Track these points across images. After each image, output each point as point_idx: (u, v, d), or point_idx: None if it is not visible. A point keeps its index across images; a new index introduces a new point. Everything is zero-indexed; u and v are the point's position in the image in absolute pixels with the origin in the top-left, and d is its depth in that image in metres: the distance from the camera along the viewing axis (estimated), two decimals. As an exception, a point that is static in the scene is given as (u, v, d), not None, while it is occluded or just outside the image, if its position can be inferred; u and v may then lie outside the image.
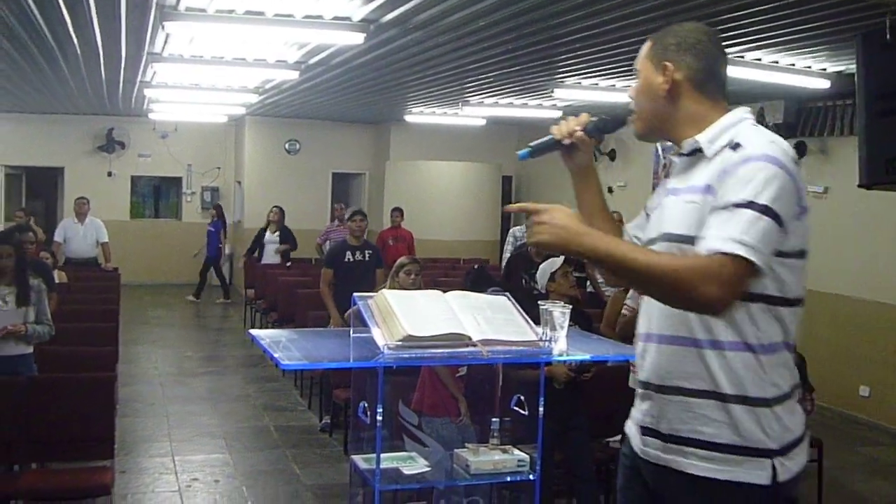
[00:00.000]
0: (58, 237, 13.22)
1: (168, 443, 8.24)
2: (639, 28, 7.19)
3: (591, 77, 10.07)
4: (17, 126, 18.05)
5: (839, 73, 8.65)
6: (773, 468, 2.33)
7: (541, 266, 6.13)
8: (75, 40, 8.65)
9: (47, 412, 6.26)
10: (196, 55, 9.53)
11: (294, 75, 10.36)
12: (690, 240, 2.35)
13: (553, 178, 17.13)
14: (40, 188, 20.66)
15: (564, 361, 4.88)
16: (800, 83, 8.91)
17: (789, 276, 2.37)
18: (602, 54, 8.52)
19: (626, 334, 6.07)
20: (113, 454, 6.38)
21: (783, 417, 2.37)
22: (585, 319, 6.02)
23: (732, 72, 8.41)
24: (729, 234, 2.22)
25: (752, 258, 2.20)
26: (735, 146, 2.36)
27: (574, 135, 2.89)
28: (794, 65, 8.43)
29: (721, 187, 2.31)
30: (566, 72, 9.81)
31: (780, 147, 2.34)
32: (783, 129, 10.82)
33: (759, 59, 8.22)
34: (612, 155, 15.05)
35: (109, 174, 18.96)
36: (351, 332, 3.28)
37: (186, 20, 7.14)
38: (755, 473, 2.33)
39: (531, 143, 2.89)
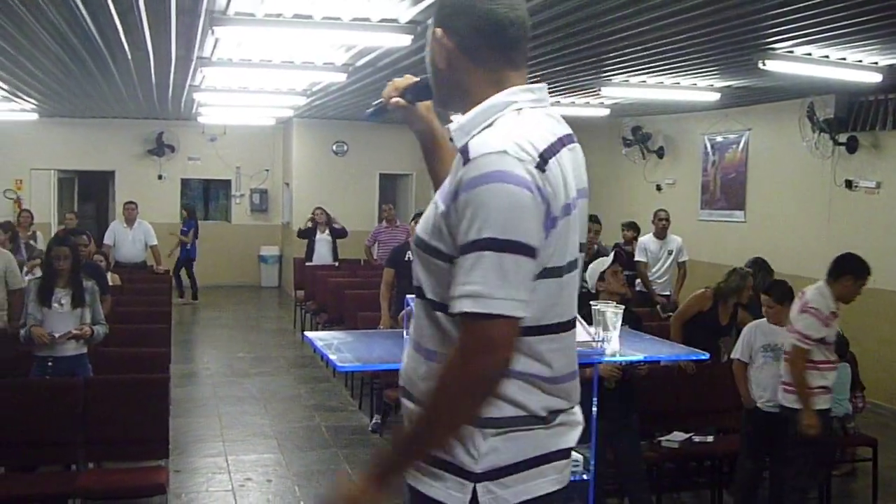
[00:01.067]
0: (107, 240, 13.37)
1: (221, 443, 8.32)
2: (687, 25, 7.15)
3: (638, 74, 10.02)
4: (70, 131, 18.31)
5: (891, 66, 8.53)
6: (475, 492, 2.07)
7: (590, 265, 6.11)
8: (126, 45, 8.76)
9: (103, 413, 6.35)
10: (245, 59, 9.61)
11: (341, 77, 10.40)
12: (423, 244, 2.12)
13: (600, 177, 17.06)
14: (92, 191, 20.97)
15: (618, 362, 4.83)
16: (851, 77, 8.81)
17: (535, 300, 2.02)
18: (650, 52, 8.47)
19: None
20: (168, 454, 6.47)
21: (499, 441, 2.08)
22: (635, 318, 5.99)
23: (782, 67, 8.35)
24: (475, 290, 1.90)
25: (510, 314, 1.91)
26: (465, 153, 2.01)
27: (391, 100, 2.51)
28: (844, 59, 8.33)
29: (455, 211, 1.99)
30: (614, 70, 9.77)
31: (513, 153, 1.97)
32: (834, 125, 10.72)
33: (810, 54, 8.13)
34: (660, 152, 14.96)
35: (160, 177, 19.18)
36: (405, 333, 3.29)
37: (235, 25, 7.21)
38: (452, 494, 2.09)
39: (373, 103, 2.62)
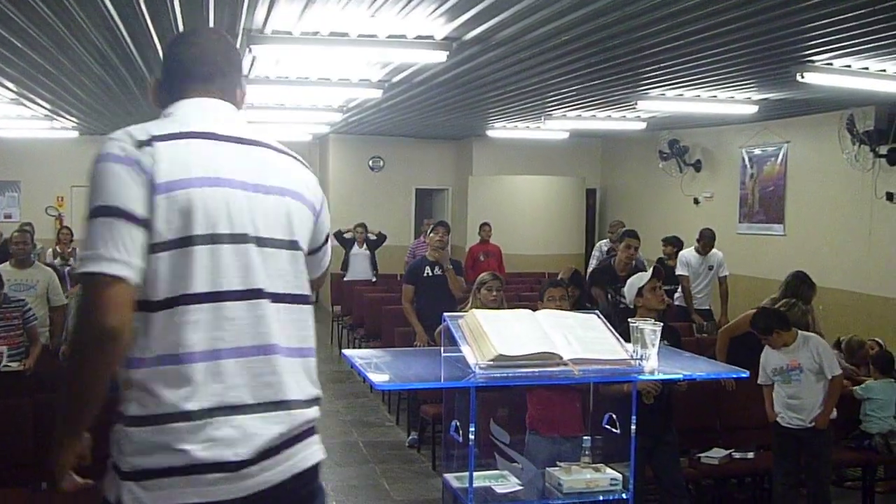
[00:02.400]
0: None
1: (259, 458, 8.33)
2: (724, 38, 7.13)
3: (675, 88, 9.99)
4: (110, 148, 18.45)
5: (932, 78, 8.46)
6: (119, 489, 2.12)
7: (628, 281, 6.07)
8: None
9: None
10: (282, 76, 9.68)
11: (377, 94, 10.45)
12: None
13: (637, 191, 17.02)
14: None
15: (656, 380, 4.81)
16: (891, 89, 8.71)
17: (160, 272, 2.13)
18: (686, 65, 8.45)
19: None
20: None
21: (141, 440, 2.11)
22: (674, 334, 5.95)
23: (821, 79, 8.29)
24: (81, 255, 2.13)
25: (109, 271, 2.04)
26: None
27: None
28: (884, 70, 8.25)
29: None
30: (650, 84, 9.75)
31: (116, 137, 2.21)
32: (874, 136, 10.62)
33: (849, 66, 8.07)
34: (697, 165, 14.88)
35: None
36: (441, 351, 3.30)
37: (272, 43, 7.27)
38: (108, 491, 2.15)
39: None
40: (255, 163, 2.32)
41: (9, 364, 7.11)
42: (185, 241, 2.14)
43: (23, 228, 9.16)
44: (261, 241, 2.24)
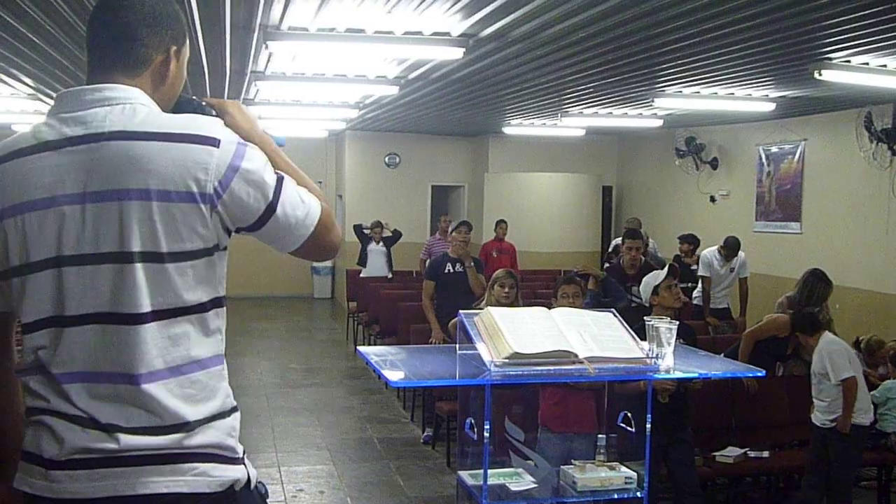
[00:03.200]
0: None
1: (274, 453, 8.36)
2: (741, 36, 7.10)
3: (692, 86, 9.96)
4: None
5: (951, 76, 8.41)
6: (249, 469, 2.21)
7: (644, 279, 6.06)
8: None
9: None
10: (298, 72, 9.69)
11: (394, 90, 10.45)
12: None
13: (653, 188, 16.98)
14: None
15: (672, 379, 4.79)
16: (909, 87, 8.69)
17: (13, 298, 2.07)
18: (703, 63, 8.42)
19: None
20: (222, 465, 6.50)
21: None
22: (689, 332, 5.94)
23: (838, 77, 8.28)
24: None
25: None
26: None
27: None
28: (902, 68, 8.23)
29: None
30: (667, 81, 9.72)
31: None
32: (892, 134, 10.57)
33: (867, 63, 8.03)
34: (714, 163, 14.83)
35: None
36: (457, 349, 3.29)
37: (289, 39, 7.27)
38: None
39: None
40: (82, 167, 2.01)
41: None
42: (21, 270, 2.05)
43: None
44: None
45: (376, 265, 14.41)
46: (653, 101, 11.22)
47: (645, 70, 9.01)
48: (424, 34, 7.30)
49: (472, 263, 9.22)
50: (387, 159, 18.60)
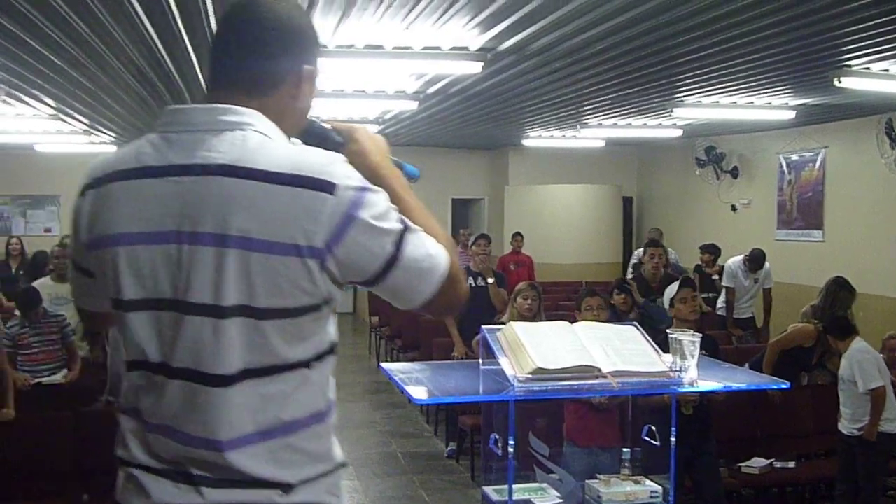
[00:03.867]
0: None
1: (298, 470, 8.36)
2: (760, 45, 7.09)
3: (711, 95, 9.94)
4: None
5: (972, 81, 8.36)
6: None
7: (665, 291, 6.05)
8: (201, 79, 8.94)
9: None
10: (317, 89, 9.72)
11: (413, 105, 10.49)
12: None
13: (673, 198, 16.94)
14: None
15: (695, 392, 4.77)
16: (930, 94, 8.65)
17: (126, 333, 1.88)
18: (722, 72, 8.41)
19: None
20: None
21: None
22: (712, 343, 5.91)
23: (858, 84, 8.24)
24: None
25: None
26: None
27: None
28: (923, 75, 8.19)
29: None
30: (686, 91, 9.71)
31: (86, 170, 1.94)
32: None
33: (886, 70, 8.01)
34: (734, 172, 14.79)
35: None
36: (480, 364, 3.30)
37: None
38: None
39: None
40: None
41: (49, 378, 7.20)
42: (118, 305, 1.88)
43: (63, 243, 9.25)
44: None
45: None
46: (672, 111, 11.21)
47: (663, 81, 9.00)
48: (443, 49, 7.32)
49: (494, 278, 9.21)
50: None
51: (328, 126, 2.07)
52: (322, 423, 1.88)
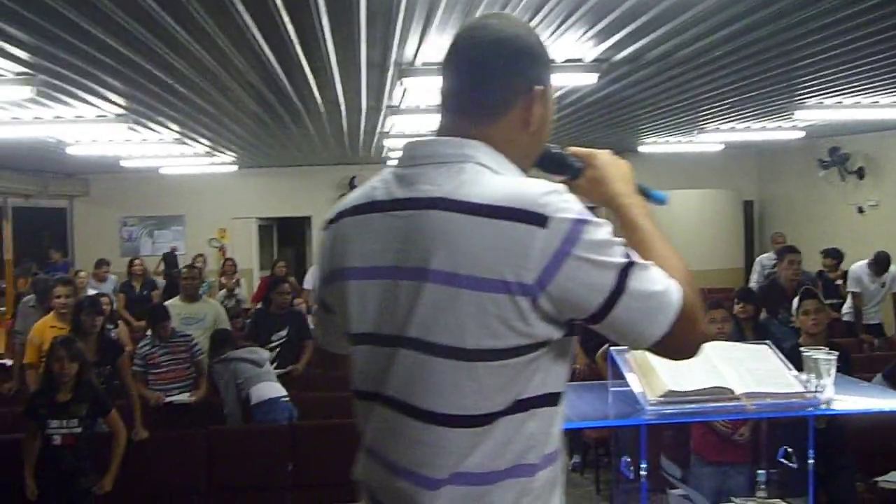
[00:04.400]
0: (307, 284, 13.65)
1: (423, 484, 8.40)
2: (881, 46, 6.89)
3: (834, 96, 9.68)
4: (267, 180, 19.10)
5: None
6: None
7: (794, 302, 5.90)
8: (319, 99, 9.09)
9: (311, 457, 6.57)
10: (432, 104, 9.79)
11: (527, 116, 10.45)
12: None
13: (796, 201, 16.54)
14: (290, 237, 21.75)
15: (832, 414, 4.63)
16: None
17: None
18: (844, 73, 8.18)
19: None
20: (374, 498, 6.58)
21: None
22: (844, 353, 5.72)
23: None
24: None
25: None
26: None
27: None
28: None
29: None
30: (807, 93, 9.47)
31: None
32: None
33: None
34: (860, 173, 14.36)
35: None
36: (609, 385, 3.26)
37: (423, 75, 7.36)
38: None
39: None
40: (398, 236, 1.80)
41: (179, 397, 7.39)
42: (350, 338, 1.91)
43: (192, 264, 9.51)
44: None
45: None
46: (793, 114, 10.95)
47: (783, 83, 8.80)
48: (557, 62, 7.29)
49: None
50: (522, 183, 18.56)
51: (566, 152, 1.98)
52: (526, 478, 1.75)
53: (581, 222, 1.66)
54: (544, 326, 1.68)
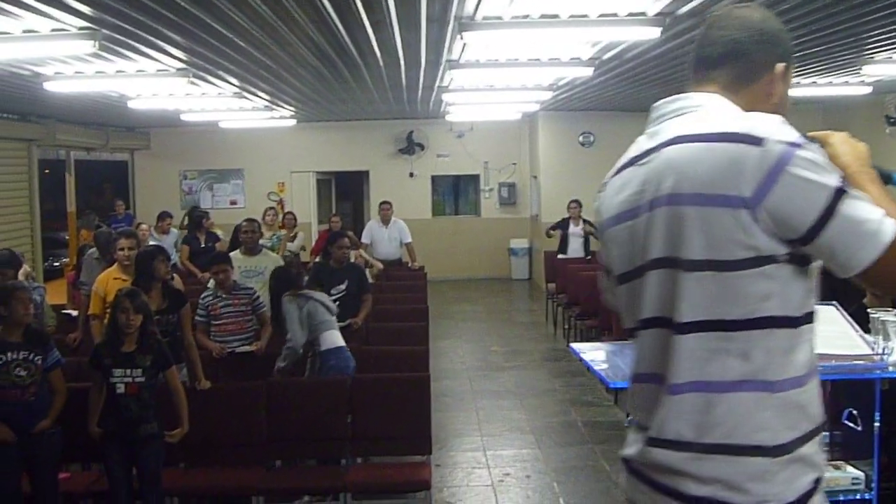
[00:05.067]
0: (365, 239, 13.71)
1: (479, 437, 8.47)
2: (959, -3, 6.70)
3: (904, 51, 9.45)
4: (325, 134, 19.17)
5: None
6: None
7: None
8: (378, 54, 9.07)
9: (369, 410, 6.61)
10: (492, 59, 9.73)
11: (588, 72, 10.35)
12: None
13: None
14: (348, 191, 21.85)
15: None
16: None
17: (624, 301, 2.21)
18: (916, 27, 7.98)
19: None
20: (430, 450, 6.64)
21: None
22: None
23: None
24: None
25: None
26: None
27: None
28: None
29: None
30: (876, 47, 9.25)
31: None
32: None
33: None
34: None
35: (411, 175, 19.73)
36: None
37: (483, 29, 7.30)
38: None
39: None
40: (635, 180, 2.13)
41: (242, 347, 7.46)
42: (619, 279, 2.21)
43: (251, 218, 9.57)
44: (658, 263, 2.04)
45: (574, 246, 14.28)
46: (860, 69, 10.71)
47: (851, 38, 8.60)
48: (620, 15, 7.19)
49: None
50: (581, 138, 18.44)
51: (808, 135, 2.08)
52: (766, 393, 1.91)
53: (796, 145, 1.87)
54: (766, 240, 1.86)
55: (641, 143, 2.14)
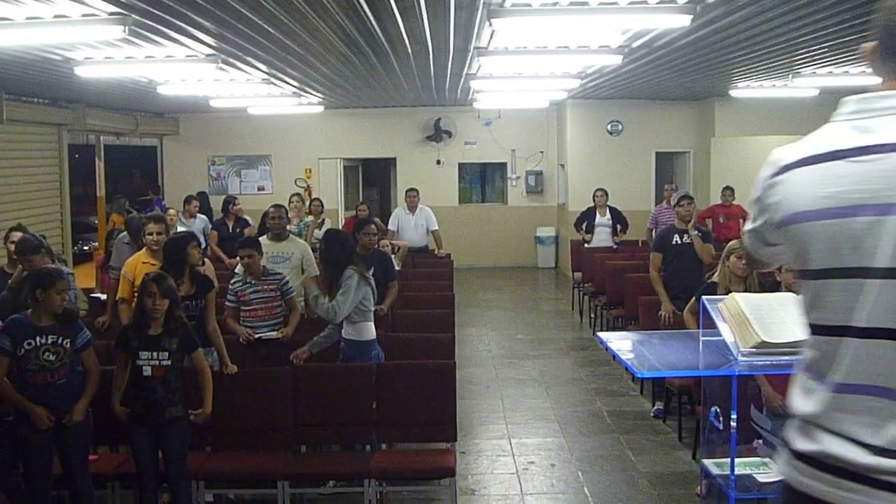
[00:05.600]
0: (392, 226, 13.69)
1: (504, 425, 8.47)
2: None
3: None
4: (353, 121, 19.18)
5: None
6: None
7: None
8: (406, 41, 9.05)
9: (395, 396, 6.63)
10: (520, 46, 9.68)
11: (617, 60, 10.29)
12: None
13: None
14: (375, 178, 21.88)
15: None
16: None
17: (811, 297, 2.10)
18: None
19: None
20: (456, 437, 6.65)
21: None
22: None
23: None
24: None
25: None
26: None
27: None
28: None
29: None
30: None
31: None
32: None
33: None
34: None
35: (438, 162, 19.71)
36: (700, 335, 3.21)
37: (512, 16, 7.26)
38: None
39: None
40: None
41: (268, 334, 7.48)
42: (804, 274, 2.12)
43: (278, 203, 9.59)
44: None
45: (601, 236, 14.22)
46: (894, 59, 10.57)
47: (885, 27, 8.49)
48: (650, 3, 7.14)
49: (698, 233, 9.06)
50: (609, 127, 18.36)
51: None
52: None
53: None
54: None
55: (846, 136, 2.00)
